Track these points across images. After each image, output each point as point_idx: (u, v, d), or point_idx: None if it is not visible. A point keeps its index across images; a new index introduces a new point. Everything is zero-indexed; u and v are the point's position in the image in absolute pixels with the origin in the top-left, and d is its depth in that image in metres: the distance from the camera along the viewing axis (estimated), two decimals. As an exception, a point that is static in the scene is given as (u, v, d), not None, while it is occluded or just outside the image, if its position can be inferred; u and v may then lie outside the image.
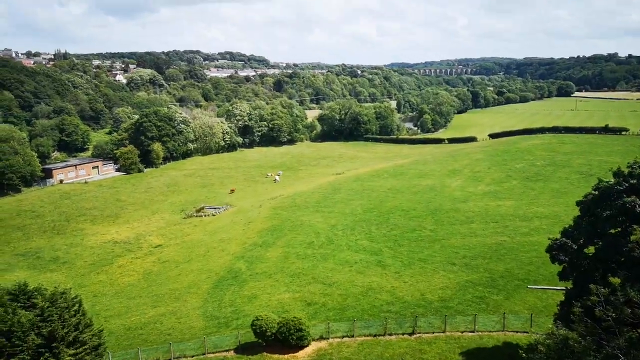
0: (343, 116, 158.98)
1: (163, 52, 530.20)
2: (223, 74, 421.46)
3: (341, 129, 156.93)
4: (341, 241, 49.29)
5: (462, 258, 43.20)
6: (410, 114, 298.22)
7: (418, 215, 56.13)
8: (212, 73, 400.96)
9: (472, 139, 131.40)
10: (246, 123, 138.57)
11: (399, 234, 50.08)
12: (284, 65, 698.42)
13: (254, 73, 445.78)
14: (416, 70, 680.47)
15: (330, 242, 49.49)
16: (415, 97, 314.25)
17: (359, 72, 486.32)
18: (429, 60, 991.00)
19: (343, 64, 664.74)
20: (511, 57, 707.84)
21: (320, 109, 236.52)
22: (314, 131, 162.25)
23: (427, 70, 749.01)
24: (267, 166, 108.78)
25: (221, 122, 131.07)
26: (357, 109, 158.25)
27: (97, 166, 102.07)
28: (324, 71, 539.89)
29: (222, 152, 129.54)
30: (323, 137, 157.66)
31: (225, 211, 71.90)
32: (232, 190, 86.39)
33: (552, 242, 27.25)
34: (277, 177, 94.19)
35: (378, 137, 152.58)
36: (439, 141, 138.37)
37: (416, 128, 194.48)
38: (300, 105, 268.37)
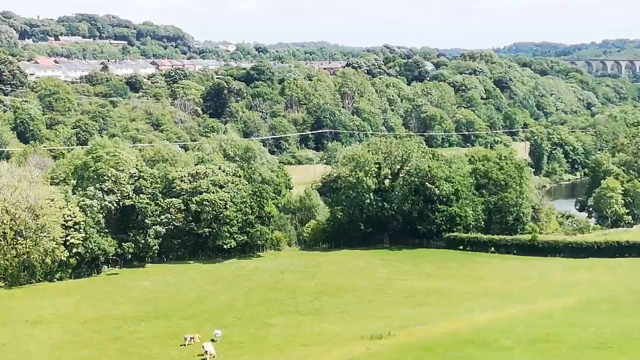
0: (386, 178, 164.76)
1: None
2: (71, 71, 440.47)
3: (382, 216, 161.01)
4: None
5: None
6: (567, 177, 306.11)
7: None
8: (43, 71, 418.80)
9: None
10: (129, 200, 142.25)
11: None
12: (232, 49, 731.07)
13: (152, 70, 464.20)
14: (579, 64, 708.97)
15: None
16: (579, 132, 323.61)
17: (429, 65, 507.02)
18: (609, 39, 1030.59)
19: (386, 46, 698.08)
20: None
21: (327, 162, 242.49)
22: (311, 222, 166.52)
23: (607, 65, 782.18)
24: (185, 317, 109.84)
25: (61, 199, 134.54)
26: (426, 163, 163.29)
27: None
28: (336, 65, 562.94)
29: (62, 279, 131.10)
30: (335, 235, 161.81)
31: None
32: None
33: None
34: (208, 348, 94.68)
35: (482, 237, 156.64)
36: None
37: (586, 215, 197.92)
38: (274, 152, 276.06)
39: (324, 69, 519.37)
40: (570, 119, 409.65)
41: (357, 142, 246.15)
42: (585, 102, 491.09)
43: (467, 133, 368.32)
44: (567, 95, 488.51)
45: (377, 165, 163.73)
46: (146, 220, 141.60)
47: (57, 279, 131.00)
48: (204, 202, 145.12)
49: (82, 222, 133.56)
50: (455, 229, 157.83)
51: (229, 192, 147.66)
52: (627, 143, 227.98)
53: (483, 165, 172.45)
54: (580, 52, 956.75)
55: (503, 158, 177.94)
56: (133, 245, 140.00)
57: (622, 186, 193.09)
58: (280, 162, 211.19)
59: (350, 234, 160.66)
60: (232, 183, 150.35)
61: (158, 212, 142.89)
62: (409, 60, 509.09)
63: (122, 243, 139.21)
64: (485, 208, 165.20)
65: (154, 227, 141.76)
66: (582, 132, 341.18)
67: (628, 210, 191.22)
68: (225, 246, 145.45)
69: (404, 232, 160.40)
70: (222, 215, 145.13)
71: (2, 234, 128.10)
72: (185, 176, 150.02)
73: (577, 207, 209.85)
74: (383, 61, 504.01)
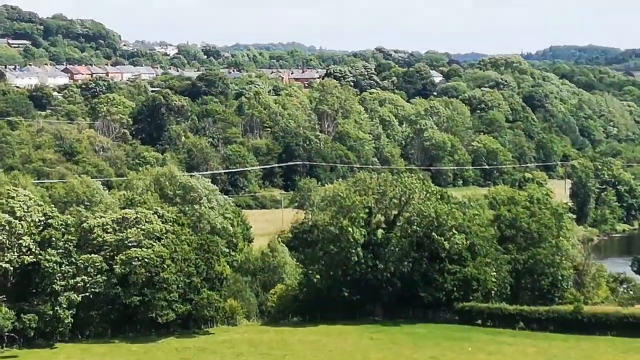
0: (379, 228, 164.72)
1: None
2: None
3: (373, 279, 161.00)
4: None
5: None
6: (622, 227, 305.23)
7: None
8: None
9: None
10: (32, 257, 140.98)
11: None
12: (172, 52, 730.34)
13: (64, 80, 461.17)
14: (637, 74, 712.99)
15: None
16: (638, 167, 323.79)
17: (437, 76, 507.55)
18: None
19: (379, 50, 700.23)
20: None
21: (299, 206, 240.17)
22: (278, 287, 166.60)
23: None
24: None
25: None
26: (432, 207, 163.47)
27: None
28: (312, 74, 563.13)
29: None
30: (310, 305, 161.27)
31: None
32: None
33: None
34: None
35: (507, 308, 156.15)
36: None
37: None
38: (229, 192, 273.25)
39: (296, 79, 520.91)
40: (625, 149, 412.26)
41: (340, 179, 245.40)
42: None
43: (487, 167, 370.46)
44: (621, 117, 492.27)
45: (367, 211, 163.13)
46: (55, 285, 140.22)
47: None
48: (134, 260, 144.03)
49: None
50: (471, 297, 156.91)
51: (167, 247, 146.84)
52: None
53: (509, 210, 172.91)
54: (639, 59, 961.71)
55: (536, 201, 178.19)
56: (37, 317, 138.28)
57: None
58: (236, 206, 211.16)
59: (330, 304, 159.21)
60: (172, 234, 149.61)
61: (71, 274, 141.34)
62: (410, 68, 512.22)
63: (22, 315, 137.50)
64: (511, 269, 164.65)
65: (65, 293, 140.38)
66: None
67: None
68: (161, 319, 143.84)
69: (402, 301, 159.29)
70: (157, 277, 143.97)
71: None
72: (108, 224, 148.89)
73: (635, 269, 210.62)
74: (375, 69, 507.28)
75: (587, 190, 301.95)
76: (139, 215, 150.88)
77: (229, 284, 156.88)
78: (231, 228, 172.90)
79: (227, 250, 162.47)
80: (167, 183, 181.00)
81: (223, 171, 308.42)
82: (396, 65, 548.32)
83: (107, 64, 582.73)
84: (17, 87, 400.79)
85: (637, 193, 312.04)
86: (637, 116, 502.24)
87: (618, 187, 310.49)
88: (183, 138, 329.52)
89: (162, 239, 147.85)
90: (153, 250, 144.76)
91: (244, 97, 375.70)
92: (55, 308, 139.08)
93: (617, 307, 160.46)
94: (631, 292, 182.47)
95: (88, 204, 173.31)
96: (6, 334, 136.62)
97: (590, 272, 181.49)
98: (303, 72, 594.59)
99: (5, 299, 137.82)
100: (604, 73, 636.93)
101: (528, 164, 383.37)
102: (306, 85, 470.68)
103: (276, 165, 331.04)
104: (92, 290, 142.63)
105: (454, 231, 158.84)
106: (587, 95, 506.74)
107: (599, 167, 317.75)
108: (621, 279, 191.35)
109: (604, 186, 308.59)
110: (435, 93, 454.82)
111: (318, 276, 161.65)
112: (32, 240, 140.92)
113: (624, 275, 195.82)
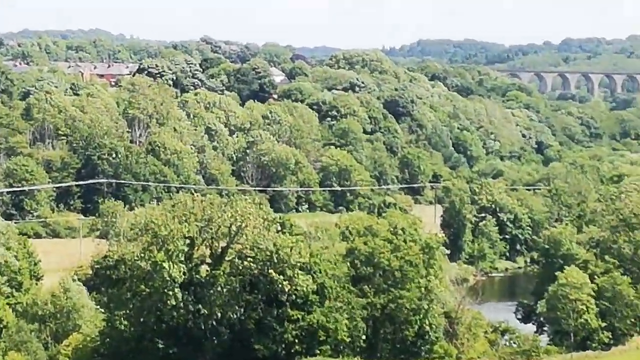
0: (203, 263, 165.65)
1: None
2: None
3: (195, 327, 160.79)
4: None
5: None
6: (504, 264, 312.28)
7: None
8: None
9: None
10: None
11: None
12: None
13: None
14: (524, 77, 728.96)
15: None
16: (523, 191, 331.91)
17: (278, 75, 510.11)
18: (572, 38, 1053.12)
19: (205, 40, 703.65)
20: None
21: (102, 235, 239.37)
22: (73, 336, 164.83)
23: (570, 81, 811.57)
24: None
25: None
26: (270, 239, 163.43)
27: None
28: (121, 69, 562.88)
29: None
30: (116, 357, 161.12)
31: None
32: None
33: None
34: None
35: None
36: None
37: (535, 328, 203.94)
38: (12, 216, 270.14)
39: (100, 75, 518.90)
40: (509, 169, 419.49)
41: (154, 202, 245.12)
42: (534, 140, 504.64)
43: (339, 189, 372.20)
44: (504, 128, 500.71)
45: (188, 242, 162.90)
46: None
47: None
48: None
49: None
50: (317, 350, 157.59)
51: None
52: (601, 210, 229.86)
53: (365, 243, 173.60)
54: (526, 58, 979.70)
55: (400, 232, 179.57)
56: None
57: (594, 282, 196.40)
58: (21, 234, 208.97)
59: (140, 358, 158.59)
60: None
61: None
62: (244, 64, 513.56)
63: None
64: (368, 315, 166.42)
65: None
66: (529, 190, 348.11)
67: (605, 323, 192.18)
68: None
69: (231, 354, 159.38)
70: None
71: None
72: None
73: (520, 316, 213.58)
74: (200, 65, 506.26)
75: (462, 218, 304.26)
76: None
77: (11, 333, 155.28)
78: (16, 262, 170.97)
79: (9, 290, 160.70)
80: None
81: (5, 190, 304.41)
82: (227, 61, 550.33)
83: None
84: None
85: (522, 223, 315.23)
86: (524, 128, 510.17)
87: (500, 215, 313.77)
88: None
89: None
90: None
91: (32, 98, 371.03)
92: None
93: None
94: (514, 345, 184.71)
95: None
96: None
97: (465, 320, 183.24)
98: (109, 66, 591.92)
99: None
100: (485, 74, 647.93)
101: (390, 186, 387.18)
102: (113, 83, 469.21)
103: (73, 183, 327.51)
104: None
105: (297, 270, 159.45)
106: (463, 102, 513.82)
107: (477, 190, 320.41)
108: (502, 328, 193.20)
109: (482, 214, 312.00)
110: (275, 96, 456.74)
111: (125, 323, 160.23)
112: None
113: (505, 324, 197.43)
